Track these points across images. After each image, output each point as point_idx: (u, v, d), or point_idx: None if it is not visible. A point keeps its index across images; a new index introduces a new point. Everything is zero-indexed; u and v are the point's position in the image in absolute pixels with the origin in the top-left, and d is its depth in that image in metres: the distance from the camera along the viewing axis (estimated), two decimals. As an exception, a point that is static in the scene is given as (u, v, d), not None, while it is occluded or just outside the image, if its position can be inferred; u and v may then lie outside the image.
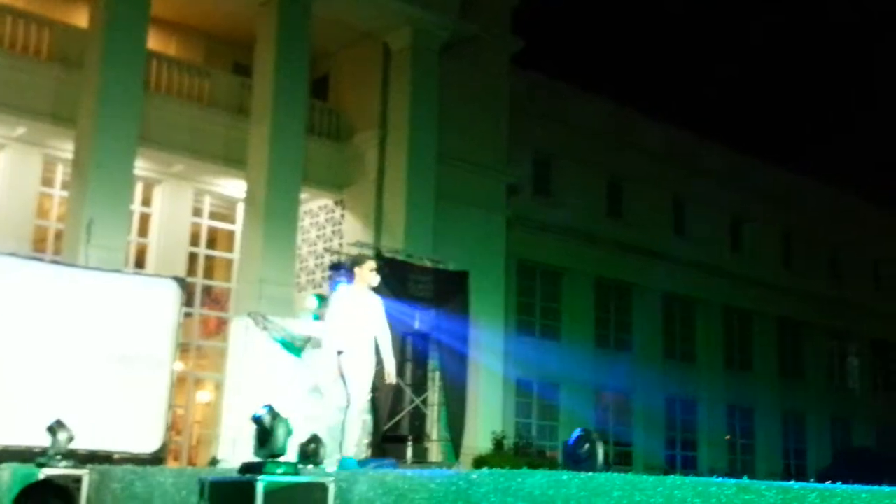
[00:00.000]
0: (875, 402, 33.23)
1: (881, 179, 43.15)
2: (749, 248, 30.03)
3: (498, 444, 19.66)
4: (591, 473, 5.15)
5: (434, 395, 15.50)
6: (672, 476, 4.69)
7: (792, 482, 4.32)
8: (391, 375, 8.64)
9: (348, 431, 8.23)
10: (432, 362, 15.71)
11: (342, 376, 8.29)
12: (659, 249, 26.60)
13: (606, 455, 5.98)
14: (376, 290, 8.75)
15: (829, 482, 4.25)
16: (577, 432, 6.09)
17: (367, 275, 8.56)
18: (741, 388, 28.72)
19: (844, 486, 4.13)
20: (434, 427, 15.73)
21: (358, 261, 8.82)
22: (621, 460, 24.68)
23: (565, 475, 5.07)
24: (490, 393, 20.71)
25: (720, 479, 4.62)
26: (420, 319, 15.92)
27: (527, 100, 24.65)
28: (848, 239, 32.80)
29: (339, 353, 8.32)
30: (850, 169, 43.64)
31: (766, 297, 29.36)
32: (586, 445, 7.05)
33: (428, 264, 16.35)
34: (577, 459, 7.01)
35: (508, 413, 22.50)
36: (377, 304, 8.67)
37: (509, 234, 23.20)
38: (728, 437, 28.40)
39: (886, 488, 3.94)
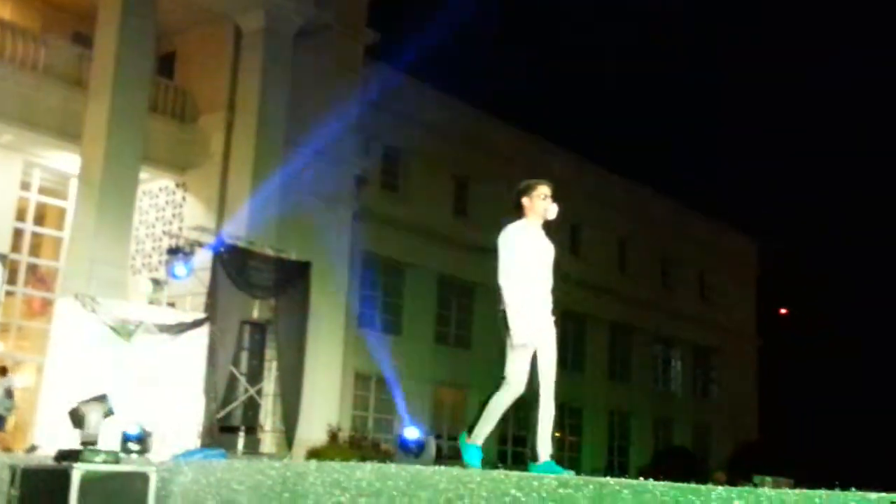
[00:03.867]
0: (694, 405, 35.12)
1: (712, 192, 45.62)
2: (586, 252, 31.06)
3: (333, 436, 19.58)
4: (419, 466, 5.20)
5: (270, 385, 15.29)
6: (497, 470, 4.79)
7: (608, 478, 4.50)
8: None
9: (491, 408, 6.26)
10: (270, 352, 15.49)
11: (510, 339, 6.19)
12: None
13: (439, 449, 6.07)
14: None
15: (647, 479, 4.44)
16: (409, 426, 6.14)
17: (541, 204, 6.25)
18: (572, 387, 29.70)
19: (656, 483, 4.33)
20: (268, 418, 15.52)
21: (528, 188, 6.31)
22: (455, 455, 25.04)
23: (393, 468, 5.10)
24: (328, 385, 20.60)
25: (542, 474, 4.76)
26: (259, 308, 15.67)
27: (379, 93, 24.61)
28: (678, 248, 34.48)
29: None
30: (683, 180, 45.86)
31: (601, 301, 30.47)
32: (418, 439, 7.14)
33: (270, 253, 16.09)
34: (409, 452, 7.10)
35: (346, 405, 22.46)
36: (551, 249, 6.42)
37: (355, 227, 23.12)
38: (557, 433, 29.32)
39: (692, 485, 4.15)
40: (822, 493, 3.88)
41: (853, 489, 4.00)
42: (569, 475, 5.15)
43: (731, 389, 36.25)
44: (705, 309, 35.47)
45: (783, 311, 40.73)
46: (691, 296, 35.19)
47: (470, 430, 6.04)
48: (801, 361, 39.14)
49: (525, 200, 6.26)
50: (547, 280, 6.32)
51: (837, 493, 3.97)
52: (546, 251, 6.35)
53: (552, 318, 6.36)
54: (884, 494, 3.78)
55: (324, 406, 20.09)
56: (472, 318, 27.07)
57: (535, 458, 5.99)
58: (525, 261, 6.18)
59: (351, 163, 22.96)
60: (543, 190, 6.26)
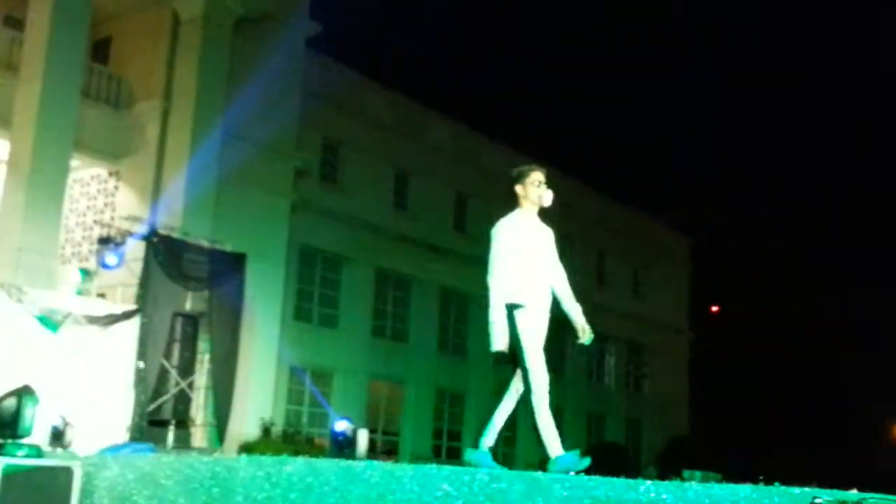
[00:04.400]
0: (627, 400, 35.62)
1: (647, 189, 46.24)
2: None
3: (266, 430, 19.40)
4: (350, 461, 5.17)
5: (202, 378, 15.08)
6: (429, 465, 4.79)
7: (541, 474, 4.53)
8: (587, 331, 6.26)
9: (544, 420, 5.77)
10: (203, 344, 15.27)
11: (520, 341, 5.87)
12: (440, 244, 27.21)
13: (373, 443, 6.04)
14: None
15: (580, 474, 4.49)
16: (342, 421, 6.10)
17: (535, 191, 6.04)
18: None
19: (588, 478, 4.37)
20: (200, 412, 15.30)
21: (520, 175, 6.10)
22: (389, 449, 25.05)
23: (324, 463, 5.07)
24: (261, 378, 20.40)
25: (475, 469, 4.77)
26: (192, 300, 15.44)
27: (320, 85, 24.42)
28: (614, 245, 34.91)
29: (515, 307, 5.91)
30: (619, 178, 46.40)
31: (537, 296, 30.66)
32: (350, 433, 7.10)
33: (205, 244, 15.86)
34: (341, 447, 7.07)
35: (280, 399, 22.27)
36: (550, 235, 6.22)
37: (293, 219, 22.93)
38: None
39: (623, 480, 4.20)
40: (748, 487, 3.95)
41: (777, 484, 4.09)
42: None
43: (663, 385, 36.85)
44: (639, 305, 35.99)
45: (714, 308, 41.53)
46: (626, 292, 35.67)
47: (546, 448, 5.66)
48: (732, 358, 39.98)
49: (518, 188, 6.08)
50: (550, 268, 6.10)
51: (762, 487, 4.05)
52: (543, 238, 6.13)
53: (548, 309, 6.10)
54: (806, 489, 3.87)
55: (257, 400, 19.90)
56: (409, 312, 27.06)
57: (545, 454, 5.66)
58: (518, 252, 5.92)
59: (290, 154, 22.76)
60: (537, 176, 6.07)
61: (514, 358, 5.93)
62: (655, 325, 36.27)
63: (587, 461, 5.38)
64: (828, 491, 4.08)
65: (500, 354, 5.86)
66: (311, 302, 24.58)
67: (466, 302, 28.86)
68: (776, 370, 41.49)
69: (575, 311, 6.18)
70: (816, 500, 3.34)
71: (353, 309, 25.27)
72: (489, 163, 29.56)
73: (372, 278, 25.98)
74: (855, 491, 4.18)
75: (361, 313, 25.57)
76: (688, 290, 39.13)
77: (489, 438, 5.92)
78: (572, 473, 4.88)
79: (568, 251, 33.10)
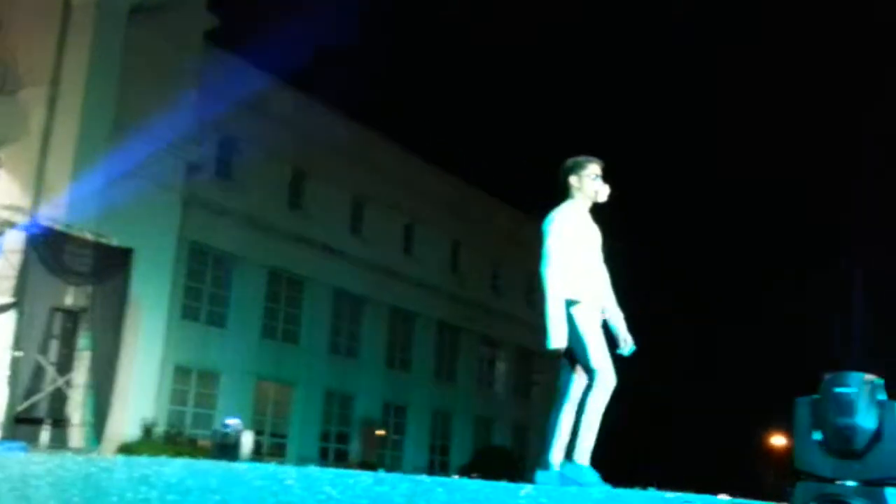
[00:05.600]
0: (515, 405, 36.10)
1: (541, 196, 46.81)
2: (420, 252, 31.34)
3: (147, 431, 18.92)
4: (233, 463, 5.09)
5: (81, 376, 14.57)
6: (312, 467, 4.75)
7: (423, 476, 4.55)
8: (629, 341, 5.67)
9: (591, 421, 5.33)
10: (83, 341, 14.76)
11: (582, 338, 5.39)
12: (334, 246, 27.05)
13: (259, 445, 5.93)
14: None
15: (466, 477, 4.52)
16: (226, 422, 5.97)
17: (591, 185, 5.56)
18: (398, 385, 29.92)
19: (469, 481, 4.41)
20: (78, 410, 14.79)
21: (576, 166, 5.59)
22: (276, 451, 24.74)
23: (206, 464, 4.97)
24: (144, 378, 19.88)
25: (358, 472, 4.75)
26: (74, 295, 14.92)
27: (218, 80, 23.96)
28: (510, 252, 35.32)
29: (572, 303, 5.42)
30: (514, 184, 46.92)
31: (431, 300, 30.84)
32: (234, 435, 6.99)
33: (89, 237, 15.34)
34: (224, 448, 6.94)
35: (163, 399, 21.73)
36: (598, 233, 5.70)
37: (184, 215, 22.43)
38: (382, 432, 29.43)
39: (503, 483, 4.26)
40: (623, 491, 4.06)
41: (652, 488, 4.22)
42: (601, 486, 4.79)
43: (551, 391, 37.36)
44: (531, 312, 36.49)
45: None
46: (518, 298, 36.14)
47: (569, 455, 5.25)
48: (616, 365, 40.78)
49: (573, 180, 5.59)
50: (599, 270, 5.62)
51: (638, 491, 4.17)
52: (596, 235, 5.63)
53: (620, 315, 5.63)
54: (679, 493, 4.00)
55: (139, 399, 19.39)
56: (301, 313, 26.80)
57: (569, 456, 5.26)
58: (574, 246, 5.44)
59: (183, 149, 22.25)
60: (594, 169, 5.57)
61: (570, 357, 5.45)
62: (546, 333, 36.78)
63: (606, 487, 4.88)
64: (700, 496, 4.22)
65: (554, 352, 5.40)
66: (200, 300, 24.06)
67: (360, 304, 28.76)
68: (660, 378, 42.65)
69: (617, 319, 5.67)
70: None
71: (243, 309, 24.86)
72: (387, 166, 29.56)
73: (264, 278, 25.61)
74: (725, 496, 4.34)
75: (252, 313, 25.18)
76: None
77: (556, 453, 5.31)
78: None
79: (461, 257, 33.39)
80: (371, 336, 29.07)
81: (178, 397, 22.79)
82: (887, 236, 32.79)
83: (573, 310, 5.36)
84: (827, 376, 3.00)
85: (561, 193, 5.62)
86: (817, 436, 3.06)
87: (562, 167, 5.60)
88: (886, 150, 36.85)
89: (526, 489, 4.11)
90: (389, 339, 29.97)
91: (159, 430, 19.72)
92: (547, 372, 37.68)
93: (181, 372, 22.87)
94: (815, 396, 2.99)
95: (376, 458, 27.52)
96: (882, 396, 2.99)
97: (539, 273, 5.44)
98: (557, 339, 5.35)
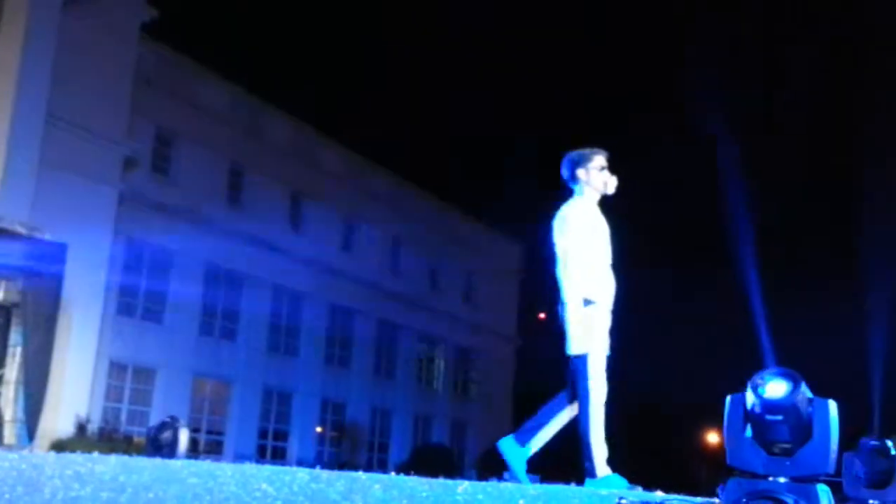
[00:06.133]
0: (454, 403, 36.25)
1: (483, 195, 47.02)
2: (360, 249, 31.25)
3: (81, 428, 18.58)
4: (167, 460, 5.04)
5: (12, 372, 14.22)
6: (247, 464, 4.73)
7: (360, 473, 4.55)
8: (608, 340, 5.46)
9: (596, 432, 5.16)
10: (15, 337, 14.41)
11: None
12: (273, 242, 26.82)
13: (195, 442, 5.85)
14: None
15: (403, 474, 4.54)
16: (160, 419, 5.89)
17: (599, 177, 5.29)
18: (338, 383, 29.82)
19: (407, 478, 4.42)
20: (9, 407, 14.44)
21: (582, 159, 5.32)
22: (213, 448, 24.48)
23: (139, 461, 4.91)
24: (78, 374, 19.51)
25: (295, 469, 4.74)
26: (5, 289, 14.54)
27: (155, 73, 23.63)
28: (449, 250, 35.42)
29: (588, 303, 5.14)
30: (455, 182, 47.07)
31: (371, 298, 30.77)
32: (169, 432, 6.90)
33: (21, 231, 14.98)
34: (159, 446, 6.85)
35: (97, 396, 21.35)
36: (607, 227, 5.39)
37: (120, 210, 22.05)
38: (320, 429, 29.31)
39: (441, 480, 4.28)
40: (560, 487, 4.12)
41: (585, 486, 4.28)
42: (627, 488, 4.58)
43: (489, 389, 37.68)
44: (469, 310, 36.67)
45: (542, 315, 42.80)
46: (457, 297, 36.25)
47: (590, 473, 5.01)
48: (556, 365, 41.23)
49: (581, 173, 5.28)
50: (610, 264, 5.34)
51: (573, 488, 4.24)
52: (606, 230, 5.33)
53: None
54: (614, 491, 4.07)
55: (73, 396, 19.03)
56: (240, 310, 26.52)
57: (591, 472, 5.02)
58: (589, 244, 5.16)
59: (119, 142, 21.88)
60: (601, 160, 5.29)
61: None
62: (485, 330, 37.05)
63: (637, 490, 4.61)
64: (634, 493, 4.30)
65: (577, 358, 5.17)
66: (137, 296, 23.69)
67: (299, 301, 28.58)
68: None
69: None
70: (622, 501, 3.52)
71: (180, 304, 24.51)
72: (326, 162, 29.44)
73: (202, 274, 25.30)
74: (659, 493, 4.43)
75: (189, 310, 24.85)
76: (518, 296, 40.17)
77: (599, 461, 5.04)
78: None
79: (401, 255, 33.37)
80: (310, 333, 28.92)
81: (113, 394, 22.42)
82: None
83: (588, 310, 5.12)
84: (756, 374, 3.07)
85: (564, 188, 5.37)
86: (748, 433, 3.13)
87: (566, 161, 5.35)
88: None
89: (463, 485, 4.15)
90: (328, 336, 29.85)
91: (94, 427, 19.38)
92: (483, 369, 37.93)
93: (116, 368, 22.51)
94: (746, 393, 3.08)
95: (315, 454, 27.41)
96: (810, 394, 3.08)
97: (555, 275, 5.23)
98: (579, 344, 5.15)
